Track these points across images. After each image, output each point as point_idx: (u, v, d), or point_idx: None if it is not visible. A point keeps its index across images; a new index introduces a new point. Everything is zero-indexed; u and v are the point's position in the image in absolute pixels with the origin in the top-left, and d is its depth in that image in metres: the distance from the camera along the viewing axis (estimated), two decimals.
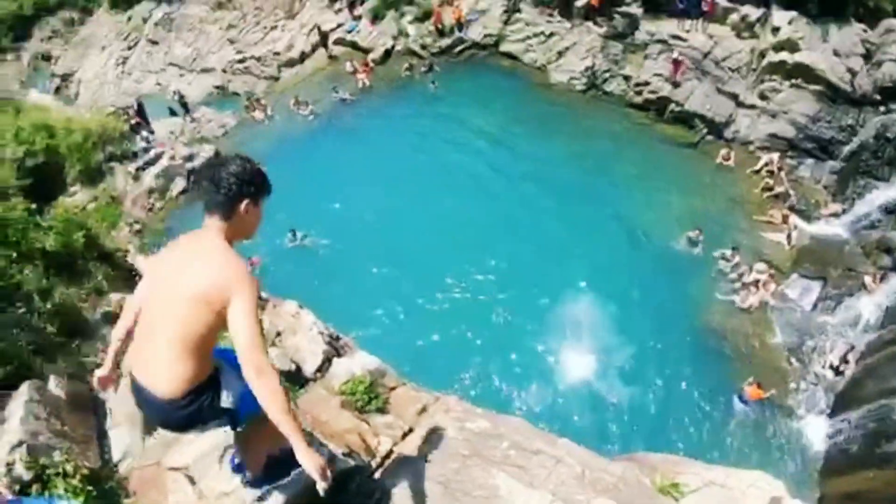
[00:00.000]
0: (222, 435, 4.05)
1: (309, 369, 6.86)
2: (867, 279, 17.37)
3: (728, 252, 19.01)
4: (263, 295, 10.11)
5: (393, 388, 6.46)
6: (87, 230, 10.49)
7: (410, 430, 5.65)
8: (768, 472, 5.46)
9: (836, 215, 19.87)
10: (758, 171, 21.49)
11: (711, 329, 17.52)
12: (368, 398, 6.15)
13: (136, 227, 23.45)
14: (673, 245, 19.83)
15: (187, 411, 3.32)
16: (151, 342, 3.27)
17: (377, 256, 19.87)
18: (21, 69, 45.82)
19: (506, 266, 19.56)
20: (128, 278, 11.54)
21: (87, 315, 8.56)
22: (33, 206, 10.66)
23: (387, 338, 17.28)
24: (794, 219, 19.77)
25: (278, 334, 7.73)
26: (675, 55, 23.77)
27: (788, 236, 19.33)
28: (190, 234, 3.48)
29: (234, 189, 3.28)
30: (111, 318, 8.20)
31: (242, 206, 3.31)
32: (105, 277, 9.80)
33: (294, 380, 6.69)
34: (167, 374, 3.23)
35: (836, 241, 19.24)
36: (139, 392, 3.38)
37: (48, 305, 7.78)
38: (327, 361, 6.88)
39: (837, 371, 16.08)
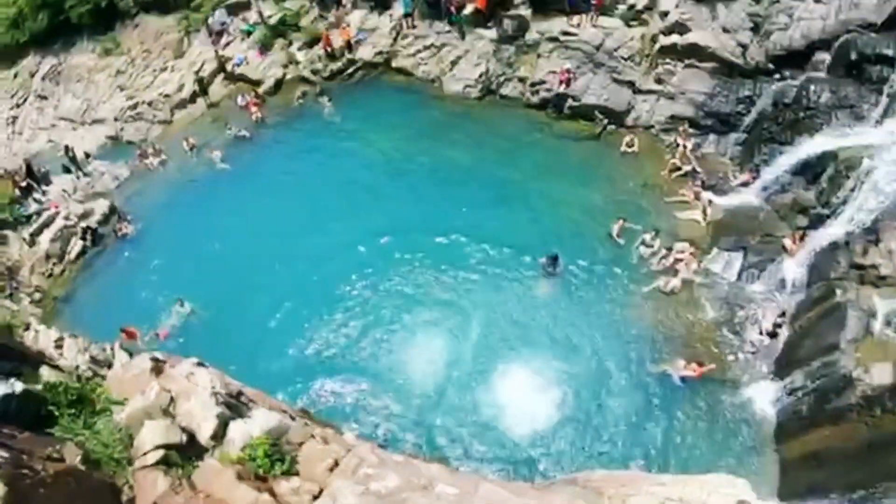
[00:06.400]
0: None
1: (204, 436, 5.98)
2: (786, 242, 17.48)
3: (648, 237, 18.90)
4: (161, 357, 9.21)
5: (301, 444, 5.67)
6: None
7: (321, 492, 4.88)
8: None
9: (746, 185, 20.00)
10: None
11: (641, 320, 17.26)
12: (271, 462, 5.36)
13: (37, 296, 21.92)
14: (590, 240, 19.54)
15: None
16: None
17: (284, 292, 19.34)
18: None
19: (419, 283, 19.10)
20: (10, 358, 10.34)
21: None
22: None
23: (310, 376, 16.81)
24: (705, 194, 19.84)
25: (172, 401, 6.82)
26: (565, 66, 23.76)
27: (703, 212, 19.37)
28: None
29: None
30: None
31: None
32: None
33: (188, 452, 5.82)
34: None
35: (751, 210, 19.34)
36: None
37: None
38: (224, 425, 6.03)
39: (773, 335, 16.10)
